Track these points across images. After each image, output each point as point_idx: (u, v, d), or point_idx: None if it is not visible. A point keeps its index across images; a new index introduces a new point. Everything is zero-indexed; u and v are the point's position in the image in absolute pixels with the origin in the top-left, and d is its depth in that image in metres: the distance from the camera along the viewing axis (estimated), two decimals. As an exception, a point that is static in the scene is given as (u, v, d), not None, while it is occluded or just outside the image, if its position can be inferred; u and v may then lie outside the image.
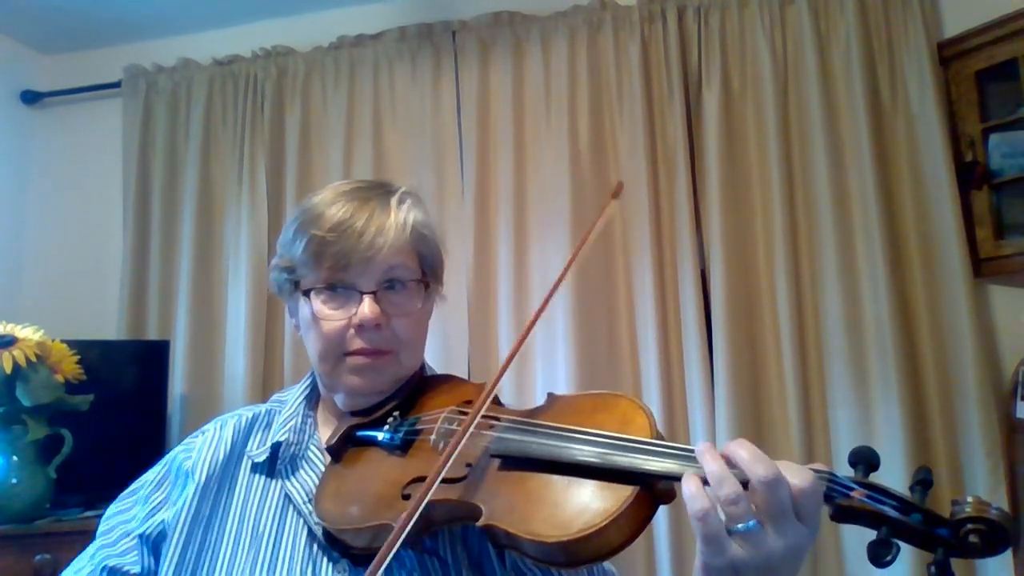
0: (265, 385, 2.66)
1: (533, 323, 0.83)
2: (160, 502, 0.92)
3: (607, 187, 2.51)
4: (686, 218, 2.40)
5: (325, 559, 0.83)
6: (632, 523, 0.67)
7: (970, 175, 2.26)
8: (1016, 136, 2.22)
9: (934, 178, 2.27)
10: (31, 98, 3.09)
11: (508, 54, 2.65)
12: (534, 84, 2.62)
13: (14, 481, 2.11)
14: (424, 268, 0.94)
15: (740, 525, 0.61)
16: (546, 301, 0.84)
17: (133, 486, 0.96)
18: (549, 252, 2.48)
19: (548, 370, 2.43)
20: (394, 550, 0.65)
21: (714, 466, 0.63)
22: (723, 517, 0.62)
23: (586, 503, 0.67)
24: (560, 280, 0.85)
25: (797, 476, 0.63)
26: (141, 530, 0.89)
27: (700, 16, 2.50)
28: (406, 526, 0.67)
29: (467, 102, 2.67)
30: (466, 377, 1.04)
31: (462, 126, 2.66)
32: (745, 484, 0.63)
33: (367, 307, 0.87)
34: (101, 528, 0.93)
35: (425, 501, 0.69)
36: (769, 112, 2.41)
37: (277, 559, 0.83)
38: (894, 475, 1.98)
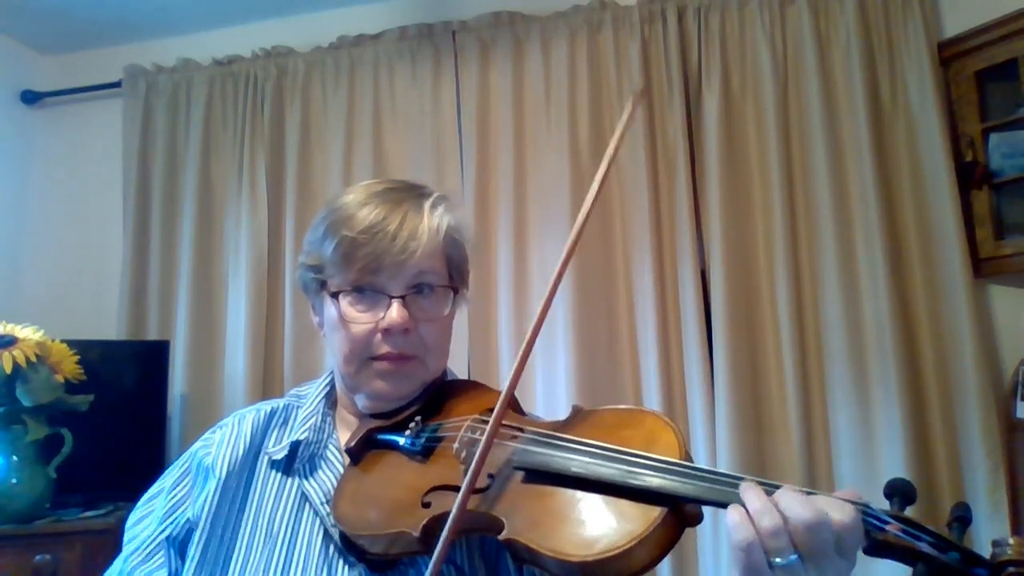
0: (265, 385, 2.66)
1: (545, 312, 0.79)
2: (182, 498, 0.91)
3: (607, 187, 2.51)
4: (686, 218, 2.40)
5: (341, 562, 0.81)
6: (658, 545, 0.65)
7: (970, 175, 2.26)
8: (1016, 136, 2.22)
9: (934, 178, 2.26)
10: (31, 98, 3.09)
11: (508, 54, 2.65)
12: (534, 84, 2.62)
13: (14, 481, 2.11)
14: (452, 273, 0.93)
15: (779, 559, 0.60)
16: (558, 278, 0.79)
17: (151, 491, 0.95)
18: (549, 252, 2.48)
19: (548, 370, 2.43)
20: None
21: (756, 501, 0.62)
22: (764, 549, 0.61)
23: (611, 523, 0.66)
24: (575, 242, 0.79)
25: (839, 511, 0.61)
26: (166, 531, 0.88)
27: (700, 16, 2.50)
28: (449, 541, 0.67)
29: (467, 102, 2.66)
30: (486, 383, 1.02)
31: (462, 126, 2.66)
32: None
33: (395, 312, 0.85)
34: (125, 538, 0.92)
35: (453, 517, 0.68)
36: (769, 112, 2.41)
37: (292, 558, 0.82)
38: (894, 475, 1.97)
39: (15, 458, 2.11)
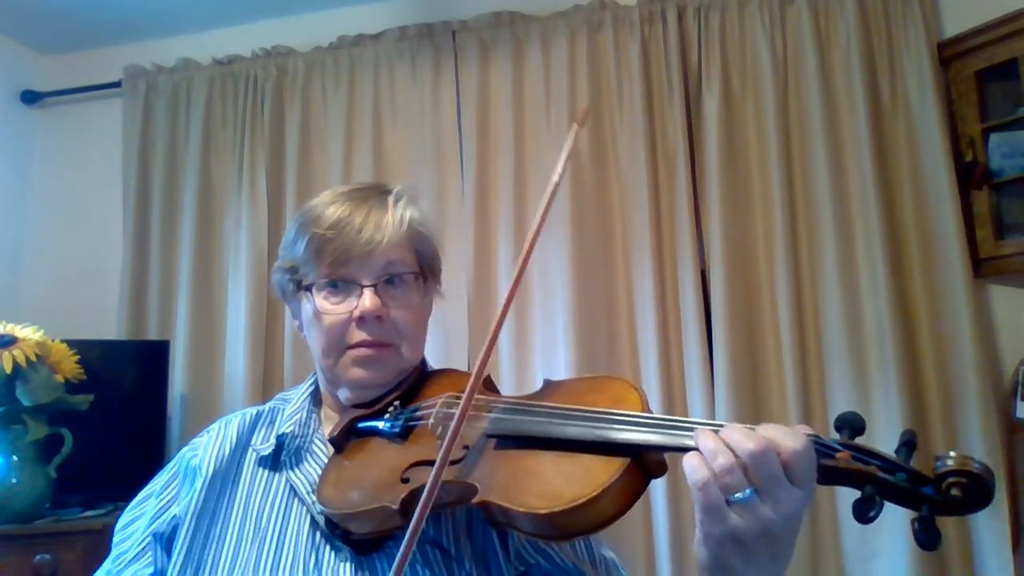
0: (265, 385, 2.66)
1: (517, 283, 0.82)
2: (171, 499, 0.93)
3: (607, 187, 2.52)
4: (686, 218, 2.40)
5: (328, 547, 0.84)
6: (624, 494, 0.68)
7: (970, 175, 2.26)
8: (1016, 136, 2.22)
9: (934, 178, 2.27)
10: (31, 98, 3.09)
11: (508, 54, 2.65)
12: (534, 84, 2.62)
13: (14, 481, 2.10)
14: (421, 264, 0.96)
15: (736, 495, 0.62)
16: (526, 259, 0.83)
17: (141, 495, 0.97)
18: (549, 252, 2.48)
19: (548, 370, 2.43)
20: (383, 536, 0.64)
21: (708, 441, 0.64)
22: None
23: (578, 475, 0.69)
24: (539, 229, 0.84)
25: (790, 439, 0.63)
26: (153, 528, 0.90)
27: (700, 16, 2.50)
28: (426, 508, 0.68)
29: (467, 102, 2.66)
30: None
31: (462, 126, 2.66)
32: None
33: (368, 299, 0.89)
34: (115, 539, 0.94)
35: (434, 483, 0.69)
36: (769, 112, 2.41)
37: (281, 549, 0.84)
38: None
39: (15, 458, 2.11)
